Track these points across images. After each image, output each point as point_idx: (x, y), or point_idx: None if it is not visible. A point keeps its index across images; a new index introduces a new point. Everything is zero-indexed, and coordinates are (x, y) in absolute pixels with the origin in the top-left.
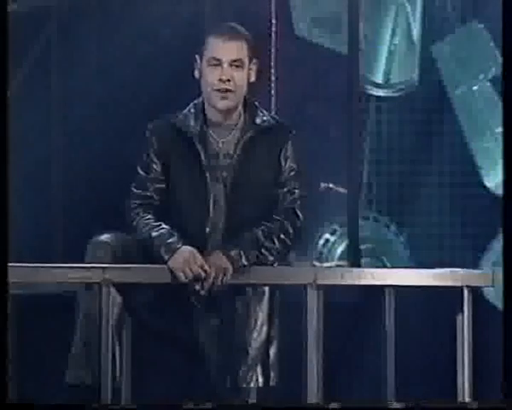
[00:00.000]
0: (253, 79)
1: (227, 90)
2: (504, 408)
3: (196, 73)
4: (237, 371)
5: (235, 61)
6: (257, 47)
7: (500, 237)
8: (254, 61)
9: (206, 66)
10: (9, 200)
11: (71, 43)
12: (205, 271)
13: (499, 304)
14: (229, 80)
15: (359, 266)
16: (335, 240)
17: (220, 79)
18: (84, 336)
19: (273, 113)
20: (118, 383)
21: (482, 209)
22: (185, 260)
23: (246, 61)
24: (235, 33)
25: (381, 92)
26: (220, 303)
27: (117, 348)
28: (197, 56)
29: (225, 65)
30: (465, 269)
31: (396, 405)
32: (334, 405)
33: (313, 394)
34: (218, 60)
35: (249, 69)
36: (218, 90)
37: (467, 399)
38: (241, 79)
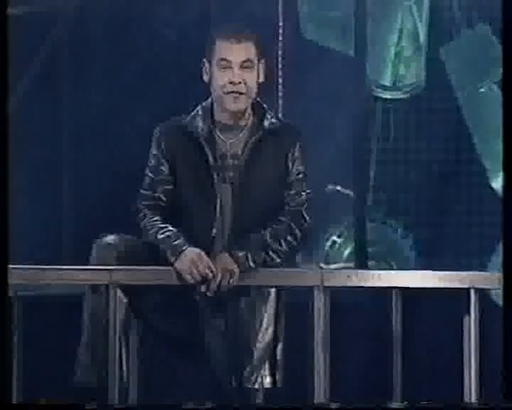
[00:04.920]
0: (261, 79)
1: (239, 93)
2: (504, 408)
3: (205, 77)
4: (243, 372)
5: (244, 61)
6: (263, 47)
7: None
8: (262, 61)
9: (216, 69)
10: (10, 201)
11: (78, 45)
12: (211, 272)
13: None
14: (240, 82)
15: (366, 267)
16: (342, 242)
17: (232, 82)
18: (91, 337)
19: (280, 115)
20: (124, 384)
21: (489, 211)
22: (192, 261)
23: (255, 61)
24: (243, 34)
25: (388, 94)
26: (226, 305)
27: (123, 349)
28: (205, 60)
29: (236, 67)
30: (472, 271)
31: (396, 405)
32: (333, 405)
33: (320, 395)
34: (228, 62)
35: (258, 69)
36: (230, 92)
37: (473, 400)
38: (252, 80)
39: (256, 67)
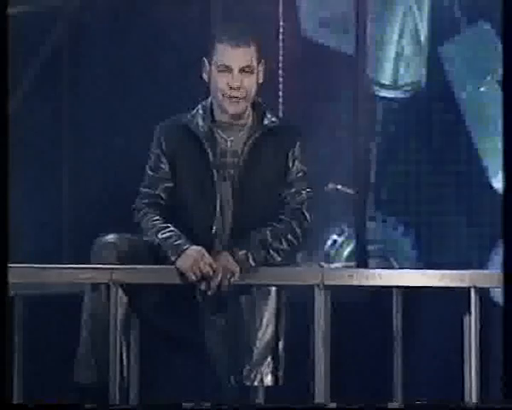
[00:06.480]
0: (261, 80)
1: (238, 98)
2: (504, 408)
3: (205, 76)
4: (242, 371)
5: (244, 67)
6: (263, 47)
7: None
8: (262, 62)
9: (216, 71)
10: (10, 201)
11: (78, 46)
12: (212, 270)
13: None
14: (239, 87)
15: (366, 266)
16: (343, 241)
17: (231, 87)
18: (91, 336)
19: (281, 114)
20: (124, 384)
21: (489, 210)
22: (194, 258)
23: (255, 65)
24: (244, 38)
25: (388, 93)
26: (226, 304)
27: (124, 348)
28: (205, 60)
29: (235, 72)
30: (472, 270)
31: (396, 405)
32: (333, 405)
33: (320, 394)
34: (228, 67)
35: (258, 72)
36: (229, 97)
37: (474, 400)
38: (251, 84)
39: (256, 71)
